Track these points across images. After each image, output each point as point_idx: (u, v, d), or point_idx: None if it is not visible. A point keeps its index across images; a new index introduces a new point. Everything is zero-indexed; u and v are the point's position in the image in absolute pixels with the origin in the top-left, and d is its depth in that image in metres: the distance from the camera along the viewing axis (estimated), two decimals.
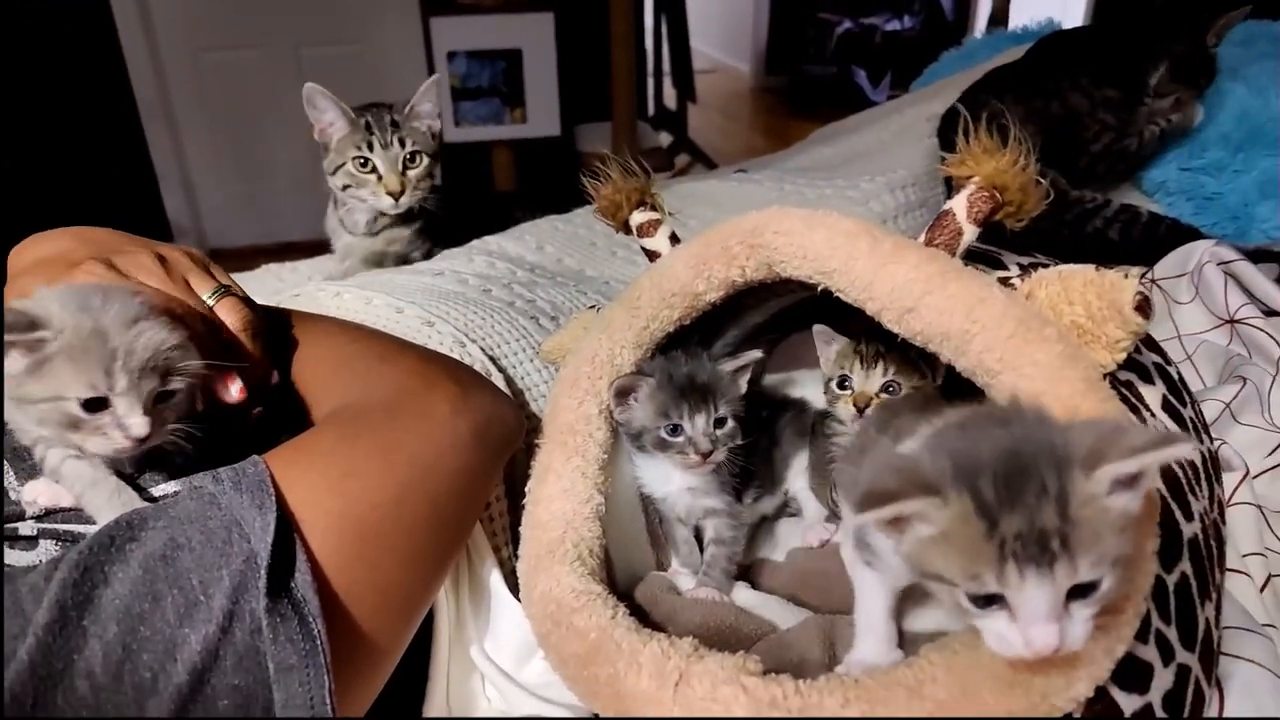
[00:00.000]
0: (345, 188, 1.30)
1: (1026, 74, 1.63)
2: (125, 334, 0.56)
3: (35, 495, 0.60)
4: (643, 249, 0.83)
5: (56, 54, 2.80)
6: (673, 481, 0.81)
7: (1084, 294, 0.61)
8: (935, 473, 0.45)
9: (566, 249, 1.29)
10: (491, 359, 0.93)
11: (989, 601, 0.45)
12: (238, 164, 3.41)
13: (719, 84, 5.58)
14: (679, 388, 0.76)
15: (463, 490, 0.68)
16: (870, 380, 0.78)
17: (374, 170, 1.27)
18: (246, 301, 0.72)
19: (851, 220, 0.67)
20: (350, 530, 0.58)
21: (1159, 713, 0.55)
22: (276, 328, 0.77)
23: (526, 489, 0.76)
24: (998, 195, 0.65)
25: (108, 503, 0.59)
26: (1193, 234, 1.44)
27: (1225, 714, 0.64)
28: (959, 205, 0.66)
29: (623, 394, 0.78)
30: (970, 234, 0.66)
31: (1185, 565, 0.59)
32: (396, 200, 1.27)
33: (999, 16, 2.58)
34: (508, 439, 0.75)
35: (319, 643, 0.52)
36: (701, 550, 0.85)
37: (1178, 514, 0.60)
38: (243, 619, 0.50)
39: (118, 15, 3.03)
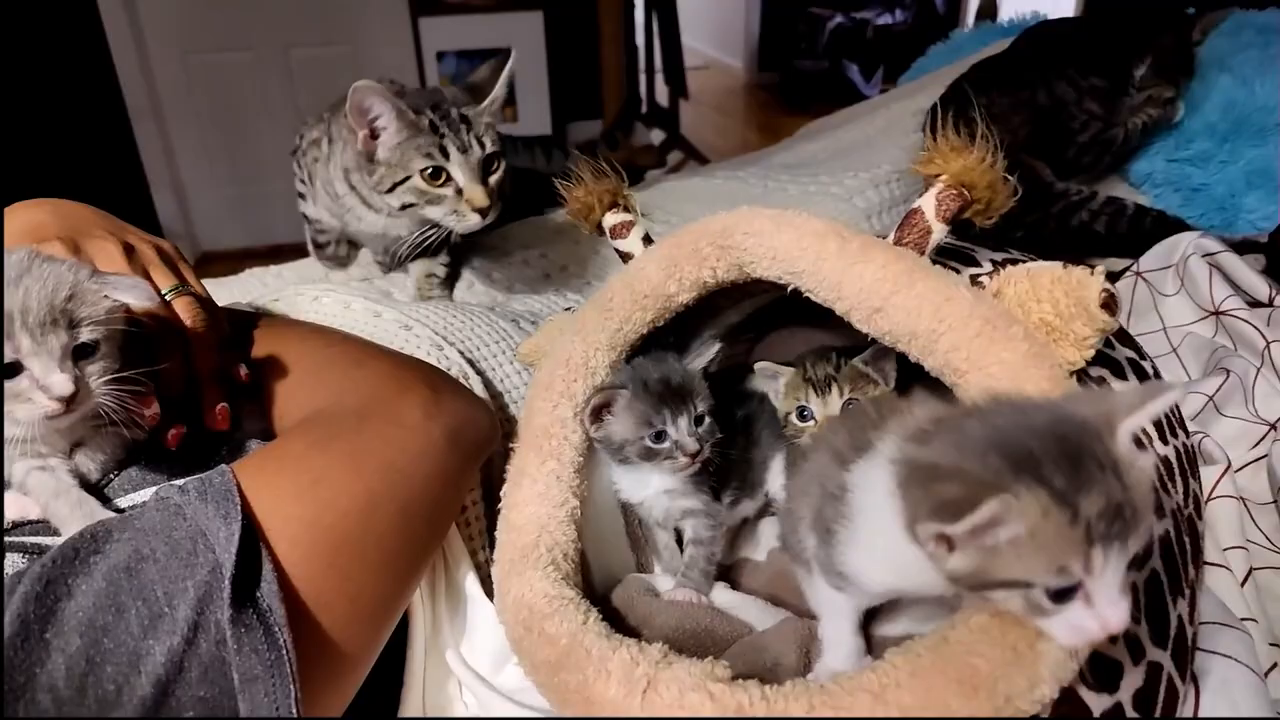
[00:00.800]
0: (406, 208, 1.00)
1: (1013, 65, 1.62)
2: (15, 292, 0.55)
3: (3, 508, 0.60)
4: (616, 250, 0.83)
5: (45, 56, 2.80)
6: (649, 485, 0.81)
7: (1051, 291, 0.60)
8: (990, 472, 0.43)
9: (549, 251, 1.29)
10: (470, 361, 0.93)
11: (1067, 595, 0.43)
12: (228, 167, 3.40)
13: (712, 81, 5.57)
14: (656, 394, 0.75)
15: (436, 496, 0.68)
16: (829, 405, 0.78)
17: (449, 182, 0.98)
18: (204, 303, 0.72)
19: (820, 220, 0.67)
20: (320, 539, 0.58)
21: (1130, 712, 0.55)
22: (244, 330, 0.77)
23: (501, 493, 0.76)
24: (966, 193, 0.65)
25: (71, 514, 0.59)
26: (1179, 225, 1.44)
27: (1201, 712, 0.63)
28: (927, 204, 0.66)
29: (598, 411, 0.76)
30: (939, 232, 0.66)
31: (1155, 563, 0.59)
32: (484, 216, 0.99)
33: (988, 10, 2.57)
34: (481, 443, 0.74)
35: (285, 652, 0.51)
36: (682, 552, 0.85)
37: None
38: (208, 630, 0.50)
39: (106, 17, 3.02)
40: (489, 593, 0.75)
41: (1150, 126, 1.56)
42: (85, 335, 0.58)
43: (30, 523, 0.61)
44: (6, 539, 0.60)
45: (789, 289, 0.68)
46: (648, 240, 0.81)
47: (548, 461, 0.76)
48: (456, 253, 1.21)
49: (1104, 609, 0.43)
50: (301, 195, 1.20)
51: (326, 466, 0.62)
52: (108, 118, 3.15)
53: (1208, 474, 0.91)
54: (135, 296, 0.61)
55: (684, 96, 4.17)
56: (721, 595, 0.80)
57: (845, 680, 0.51)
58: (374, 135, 0.98)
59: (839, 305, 0.65)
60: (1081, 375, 0.63)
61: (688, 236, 0.73)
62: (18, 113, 2.68)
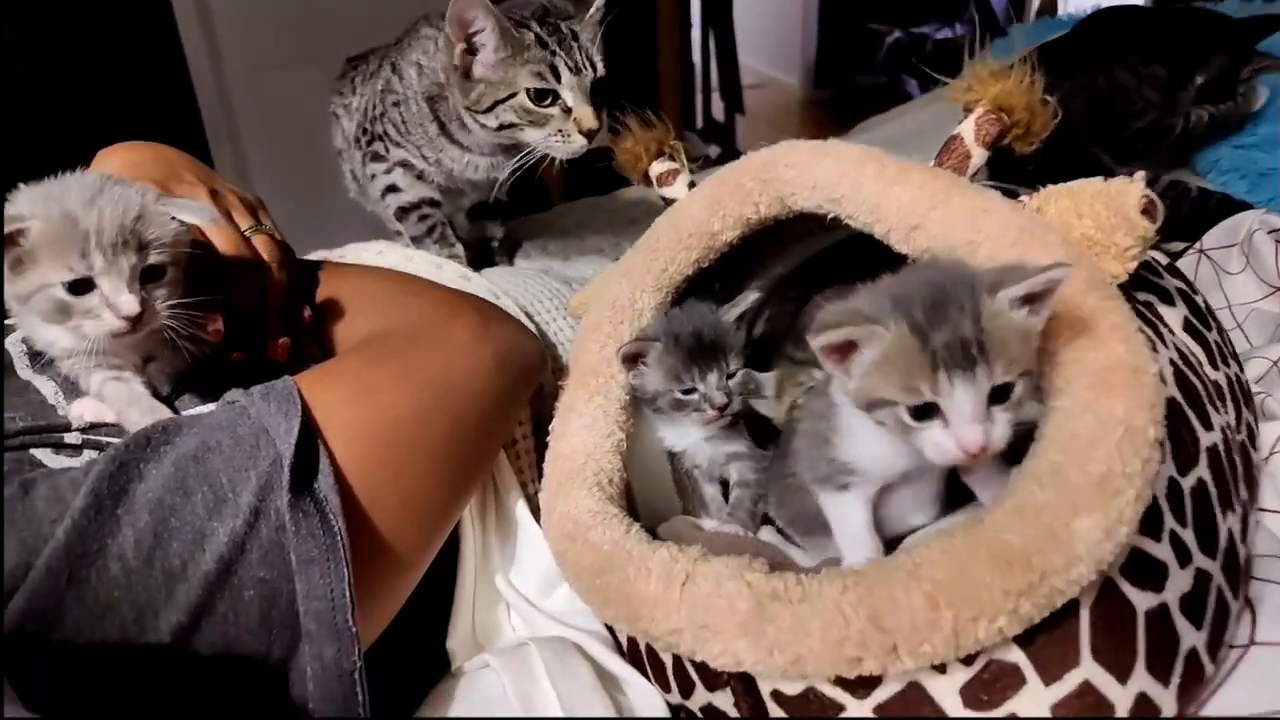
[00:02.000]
0: (505, 128, 0.93)
1: (1073, 50, 1.61)
2: (90, 212, 0.57)
3: (81, 411, 0.64)
4: (662, 198, 0.85)
5: (124, 73, 2.95)
6: (690, 434, 0.82)
7: (1093, 205, 0.60)
8: (876, 309, 0.52)
9: (605, 227, 1.32)
10: (525, 313, 0.95)
11: (926, 414, 0.51)
12: (296, 180, 3.51)
13: (767, 97, 5.60)
14: (687, 350, 0.76)
15: (485, 413, 0.70)
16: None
17: (556, 102, 0.91)
18: (280, 245, 0.76)
19: (858, 148, 0.68)
20: (372, 440, 0.61)
21: (1176, 614, 0.54)
22: (310, 276, 0.81)
23: (551, 427, 0.78)
24: (1005, 117, 0.66)
25: (142, 419, 0.63)
26: (1243, 208, 1.40)
27: (1258, 636, 0.62)
28: (966, 129, 0.67)
29: (631, 360, 0.78)
30: (979, 157, 0.67)
31: (1203, 472, 0.58)
32: (590, 140, 0.93)
33: (1047, 7, 2.55)
34: (530, 369, 0.77)
35: (339, 539, 0.54)
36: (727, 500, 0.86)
37: (1194, 421, 0.59)
38: (268, 516, 0.53)
39: (183, 33, 3.18)
40: (538, 521, 0.77)
41: (1217, 119, 1.52)
42: (154, 258, 0.61)
43: (105, 425, 0.65)
44: (85, 436, 0.64)
45: (828, 216, 0.70)
46: (693, 187, 0.84)
47: (594, 398, 0.78)
48: (511, 225, 1.24)
49: (958, 428, 0.50)
50: (391, 187, 1.10)
51: (380, 378, 0.65)
52: (184, 132, 3.30)
53: (1269, 430, 0.89)
54: (199, 217, 0.64)
55: (740, 111, 4.21)
56: (768, 535, 0.81)
57: (879, 562, 0.51)
58: (471, 50, 0.91)
59: (878, 227, 0.66)
60: (1129, 298, 0.63)
61: (730, 174, 0.75)
62: (98, 129, 2.83)
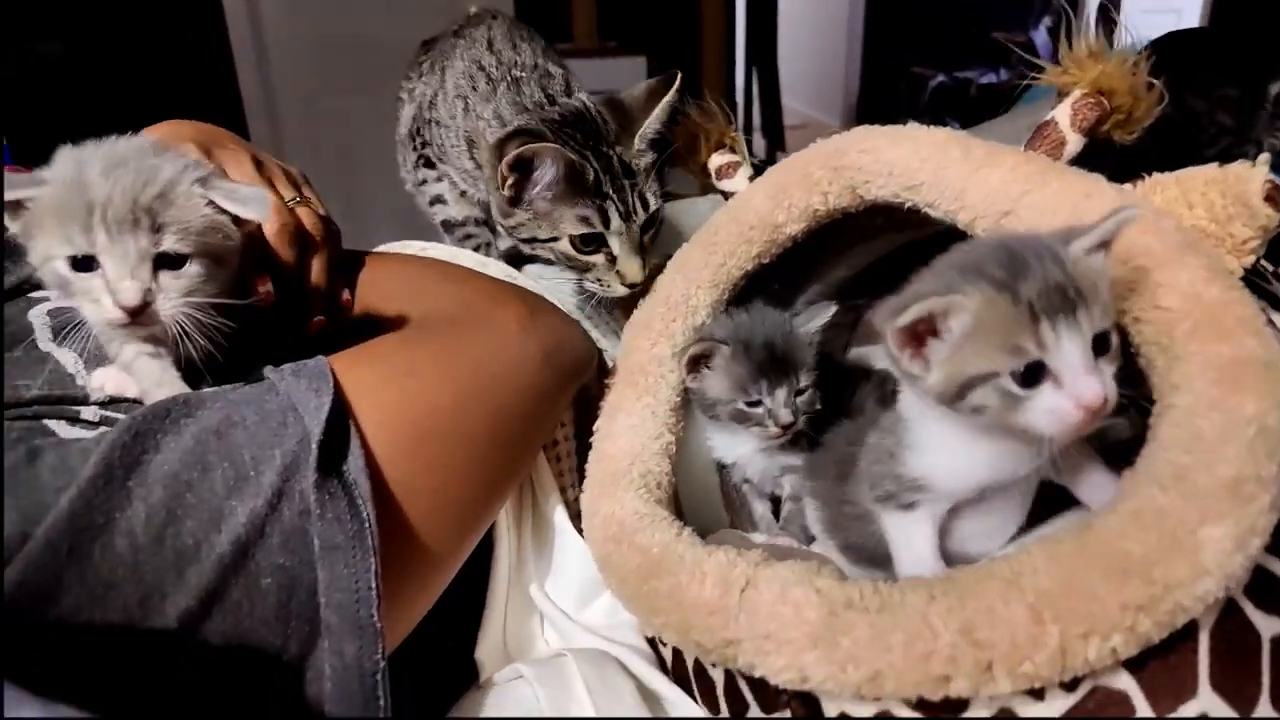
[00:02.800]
0: (535, 260, 0.85)
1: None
2: (105, 182, 0.50)
3: (102, 382, 0.60)
4: (721, 193, 0.81)
5: (177, 95, 3.00)
6: (745, 444, 0.77)
7: (1205, 194, 0.55)
8: (944, 286, 0.48)
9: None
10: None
11: (1033, 378, 0.45)
12: (344, 208, 3.56)
13: (809, 138, 5.55)
14: (757, 360, 0.70)
15: (528, 409, 0.66)
16: None
17: (602, 249, 0.78)
18: (324, 219, 0.73)
19: (940, 130, 0.64)
20: (408, 426, 0.57)
21: None
22: (351, 262, 0.78)
23: (595, 427, 0.73)
24: (1105, 101, 0.61)
25: None
26: None
27: None
28: (1062, 114, 0.62)
29: (695, 362, 0.72)
30: (1075, 144, 0.62)
31: None
32: (633, 289, 0.80)
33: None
34: (577, 366, 0.73)
35: (367, 526, 0.50)
36: (777, 518, 0.80)
37: None
38: (292, 499, 0.49)
39: (238, 59, 3.24)
40: (578, 529, 0.72)
41: None
42: (169, 244, 0.52)
43: (126, 401, 0.61)
44: (103, 412, 0.60)
45: (904, 207, 0.65)
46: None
47: (643, 397, 0.73)
48: None
49: (1074, 385, 0.45)
50: (439, 198, 1.01)
51: (418, 361, 0.61)
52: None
53: None
54: (254, 209, 0.55)
55: (783, 150, 4.20)
56: (820, 550, 0.75)
57: (971, 568, 0.46)
58: (523, 180, 0.76)
59: (962, 215, 0.61)
60: None
61: (797, 162, 0.71)
62: None
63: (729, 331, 0.73)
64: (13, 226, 0.53)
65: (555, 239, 0.77)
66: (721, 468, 0.82)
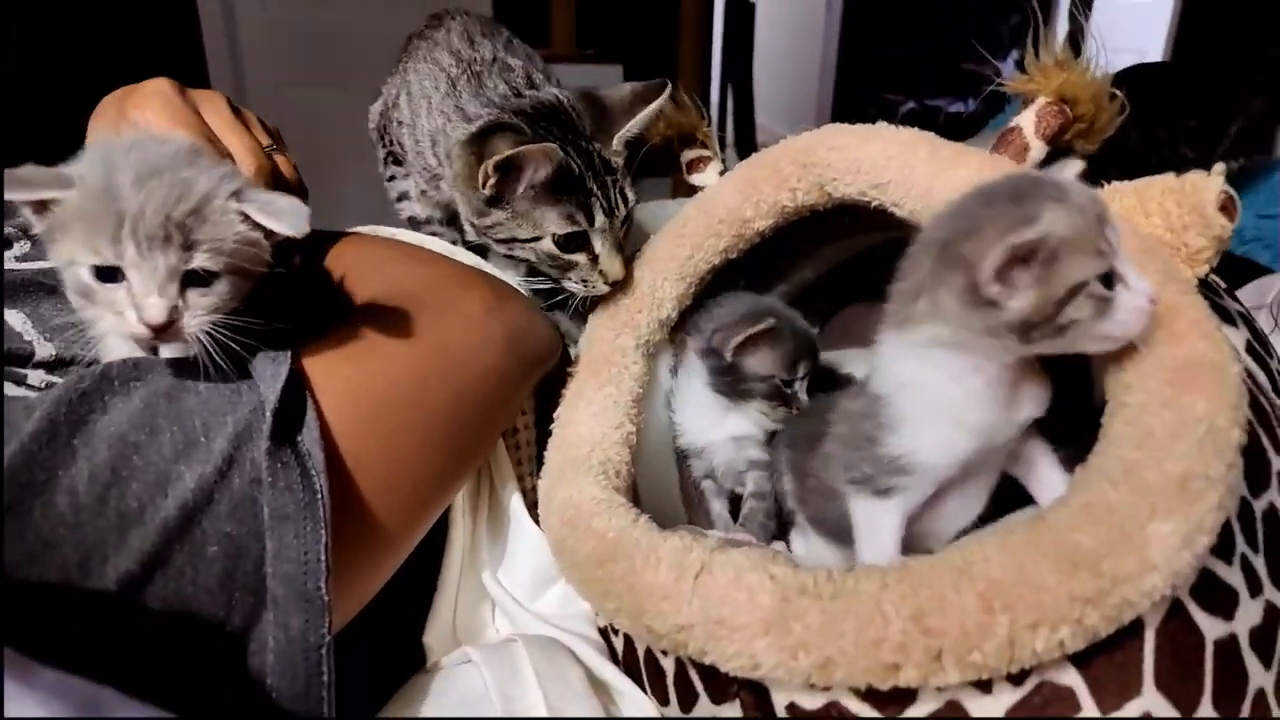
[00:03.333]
0: (514, 259, 0.79)
1: None
2: (137, 193, 0.47)
3: None
4: (692, 187, 0.81)
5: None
6: (722, 429, 0.77)
7: (1162, 203, 0.56)
8: (1006, 214, 0.48)
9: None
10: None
11: (1110, 282, 0.47)
12: (315, 199, 3.51)
13: None
14: (800, 341, 0.73)
15: (490, 393, 0.65)
16: None
17: (584, 249, 0.75)
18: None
19: (909, 130, 0.64)
20: (366, 399, 0.56)
21: (1246, 648, 0.48)
22: (319, 239, 0.77)
23: (556, 414, 0.73)
24: (1068, 110, 0.62)
25: None
26: (1265, 272, 1.38)
27: None
28: (1026, 120, 0.63)
29: (751, 341, 0.71)
30: (1038, 150, 0.63)
31: (1274, 496, 0.53)
32: (613, 288, 0.77)
33: None
34: (541, 352, 0.72)
35: (319, 496, 0.48)
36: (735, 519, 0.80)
37: (1265, 442, 0.54)
38: (242, 466, 0.48)
39: (209, 48, 3.19)
40: (535, 519, 0.71)
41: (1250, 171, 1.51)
42: (200, 261, 0.49)
43: (74, 365, 0.59)
44: (48, 378, 0.59)
45: (871, 205, 0.65)
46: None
47: (605, 387, 0.73)
48: None
49: (1137, 283, 0.48)
50: (404, 194, 0.97)
51: (381, 338, 0.60)
52: None
53: None
54: (290, 224, 0.51)
55: None
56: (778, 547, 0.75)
57: (924, 558, 0.46)
58: (504, 183, 0.72)
59: (928, 215, 0.61)
60: None
61: (767, 157, 0.72)
62: None
63: (766, 308, 0.75)
64: (38, 225, 0.50)
65: (538, 238, 0.74)
66: (682, 463, 0.82)
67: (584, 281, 0.76)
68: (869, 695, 0.46)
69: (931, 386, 0.52)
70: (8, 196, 0.47)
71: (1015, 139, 0.63)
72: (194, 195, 0.49)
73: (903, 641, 0.43)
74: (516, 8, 3.10)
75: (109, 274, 0.48)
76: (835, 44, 5.41)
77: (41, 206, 0.49)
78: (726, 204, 0.73)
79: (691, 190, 0.81)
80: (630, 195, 0.76)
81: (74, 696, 0.35)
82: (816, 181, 0.68)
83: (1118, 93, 0.61)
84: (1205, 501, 0.43)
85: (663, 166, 0.82)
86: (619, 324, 0.76)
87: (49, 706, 0.33)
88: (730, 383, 0.74)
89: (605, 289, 0.76)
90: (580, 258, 0.75)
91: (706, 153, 0.80)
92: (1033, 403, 0.54)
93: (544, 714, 0.56)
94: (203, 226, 0.49)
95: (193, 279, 0.50)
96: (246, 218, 0.51)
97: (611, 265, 0.75)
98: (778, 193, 0.70)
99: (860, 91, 5.31)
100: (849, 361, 0.95)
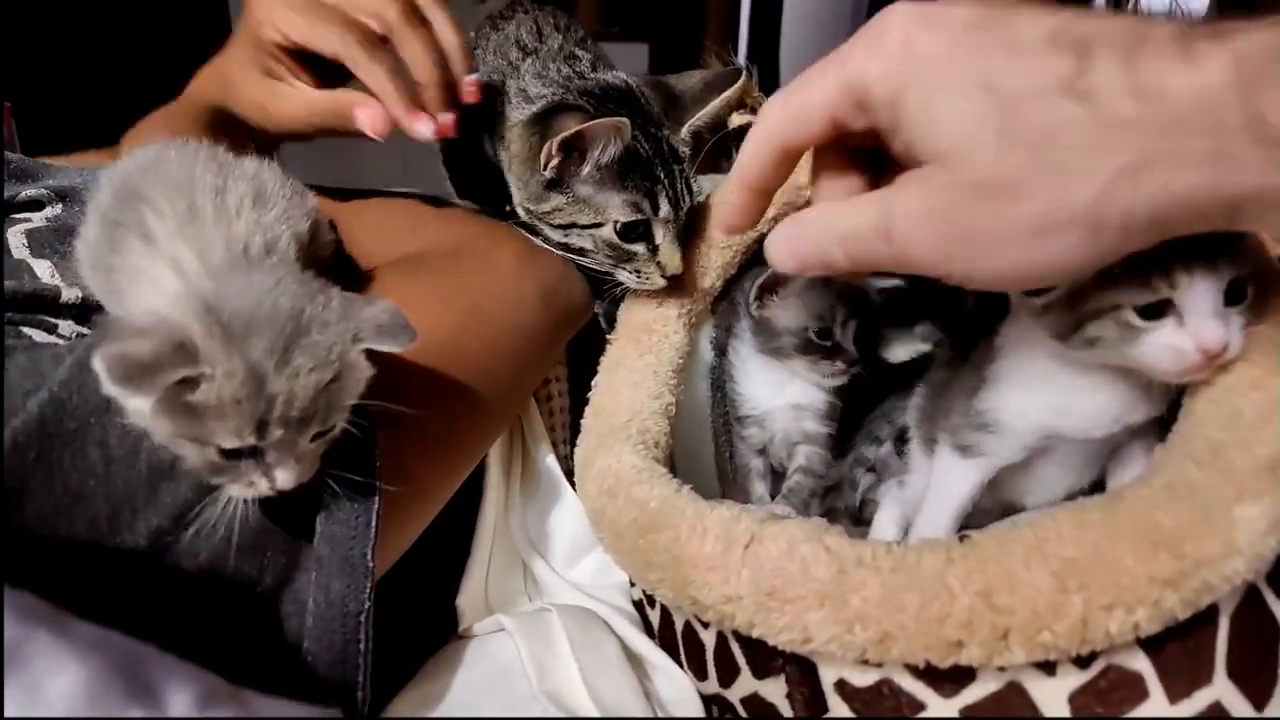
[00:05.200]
0: (570, 248, 0.72)
1: None
2: (280, 377, 0.41)
3: None
4: (714, 164, 0.78)
5: (173, 64, 2.93)
6: (781, 396, 0.74)
7: None
8: None
9: None
10: None
11: (1157, 312, 0.45)
12: (335, 164, 3.49)
13: None
14: (836, 290, 0.69)
15: (523, 350, 0.64)
16: None
17: (644, 238, 0.70)
18: None
19: None
20: (401, 356, 0.54)
21: None
22: (352, 199, 0.75)
23: (594, 381, 0.71)
24: None
25: None
26: None
27: None
28: None
29: (768, 289, 0.69)
30: None
31: None
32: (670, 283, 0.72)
33: None
34: (574, 310, 0.71)
35: (378, 462, 0.47)
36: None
37: None
38: None
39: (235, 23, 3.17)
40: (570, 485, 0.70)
41: None
42: (335, 421, 0.45)
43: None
44: (78, 328, 0.57)
45: None
46: None
47: (645, 355, 0.70)
48: None
49: (1197, 326, 0.44)
50: None
51: (415, 293, 0.58)
52: None
53: None
54: (402, 342, 0.46)
55: None
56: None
57: (993, 532, 0.44)
58: (565, 164, 0.68)
59: None
60: None
61: None
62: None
63: None
64: (144, 402, 0.42)
65: (599, 225, 0.69)
66: (719, 439, 0.80)
67: (638, 273, 0.71)
68: (925, 673, 0.45)
69: (1038, 356, 0.52)
70: (116, 392, 0.40)
71: None
72: (332, 365, 0.43)
73: (968, 618, 0.41)
74: None
75: (240, 451, 0.42)
76: (862, 24, 5.35)
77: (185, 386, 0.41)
78: None
79: (715, 165, 0.78)
80: (695, 187, 0.72)
81: (113, 651, 0.33)
82: None
83: None
84: None
85: None
86: (662, 291, 0.73)
87: (86, 661, 0.31)
88: (764, 341, 0.72)
89: (661, 283, 0.71)
90: (640, 248, 0.70)
91: (755, 118, 0.77)
92: (1139, 407, 0.52)
93: (579, 686, 0.55)
94: (344, 395, 0.44)
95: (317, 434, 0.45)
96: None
97: (672, 258, 0.70)
98: None
99: None
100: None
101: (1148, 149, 0.34)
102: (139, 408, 0.41)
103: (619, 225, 0.69)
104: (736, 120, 0.78)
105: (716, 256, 0.74)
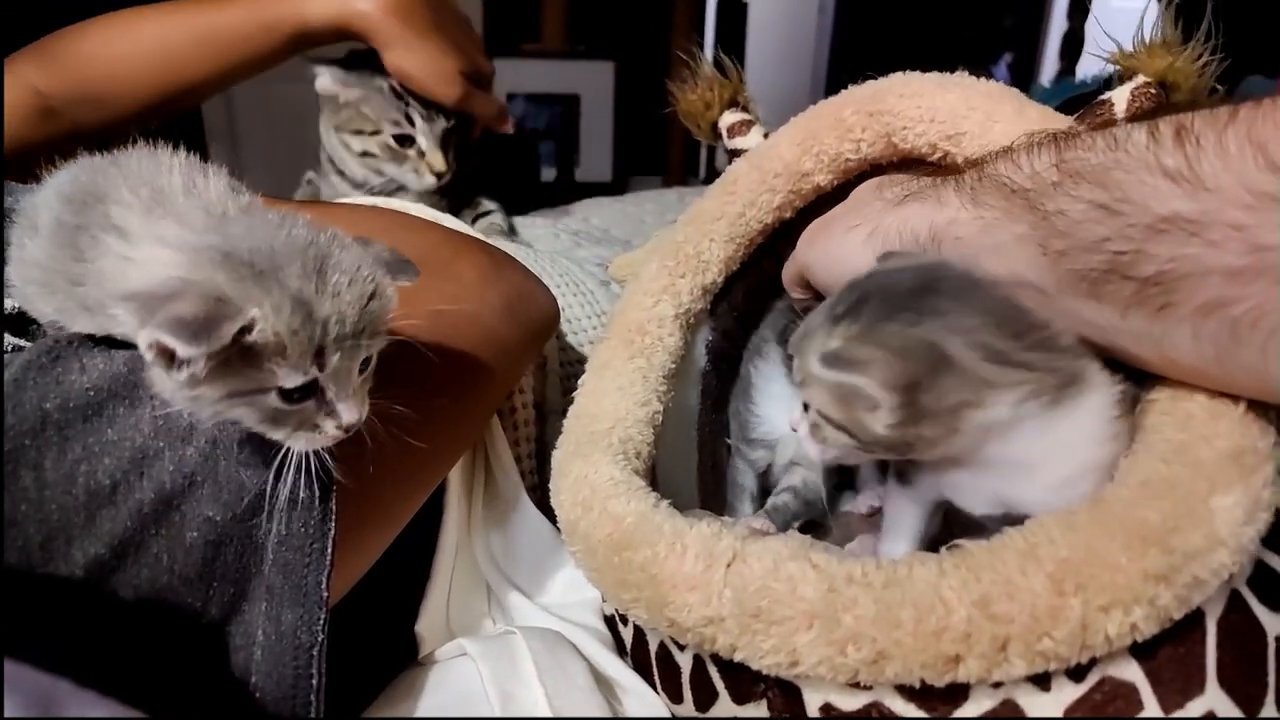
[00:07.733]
0: (365, 155, 1.04)
1: None
2: (325, 297, 0.40)
3: None
4: (730, 153, 0.77)
5: None
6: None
7: None
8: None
9: (613, 221, 1.23)
10: None
11: None
12: (290, 190, 3.43)
13: None
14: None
15: (487, 362, 0.61)
16: None
17: (413, 145, 1.01)
18: None
19: (993, 83, 0.63)
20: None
21: None
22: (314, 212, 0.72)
23: (580, 381, 0.67)
24: (1164, 96, 0.59)
25: None
26: None
27: None
28: (1120, 96, 0.60)
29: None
30: None
31: None
32: (440, 179, 1.03)
33: (1068, 68, 2.52)
34: (540, 322, 0.68)
35: (332, 484, 0.45)
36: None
37: None
38: (228, 446, 0.43)
39: None
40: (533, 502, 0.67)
41: None
42: (376, 348, 0.44)
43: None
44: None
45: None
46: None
47: (636, 359, 0.67)
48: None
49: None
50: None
51: None
52: (185, 137, 3.20)
53: None
54: (407, 275, 0.47)
55: None
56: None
57: (983, 542, 0.42)
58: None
59: None
60: None
61: (829, 107, 0.69)
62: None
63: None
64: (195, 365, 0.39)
65: (377, 131, 1.02)
66: (704, 450, 0.77)
67: (415, 172, 1.03)
68: (916, 694, 0.42)
69: None
70: (193, 352, 0.37)
71: (1105, 112, 0.60)
72: (368, 277, 0.43)
73: (966, 630, 0.39)
74: (507, 3, 3.05)
75: (301, 393, 0.41)
76: (827, 44, 5.40)
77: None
78: (783, 157, 0.69)
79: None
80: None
81: (25, 690, 0.30)
82: (883, 131, 0.65)
83: (1219, 88, 0.59)
84: (1260, 474, 0.41)
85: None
86: (658, 289, 0.70)
87: None
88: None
89: (432, 180, 1.02)
90: (410, 152, 1.02)
91: (748, 116, 0.77)
92: None
93: (545, 712, 0.52)
94: (380, 313, 0.44)
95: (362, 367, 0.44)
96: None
97: (434, 158, 1.01)
98: (840, 143, 0.67)
99: (853, 81, 5.30)
100: None
101: None
102: (181, 380, 0.38)
103: (391, 134, 1.02)
104: (728, 118, 0.77)
105: (719, 250, 0.71)
